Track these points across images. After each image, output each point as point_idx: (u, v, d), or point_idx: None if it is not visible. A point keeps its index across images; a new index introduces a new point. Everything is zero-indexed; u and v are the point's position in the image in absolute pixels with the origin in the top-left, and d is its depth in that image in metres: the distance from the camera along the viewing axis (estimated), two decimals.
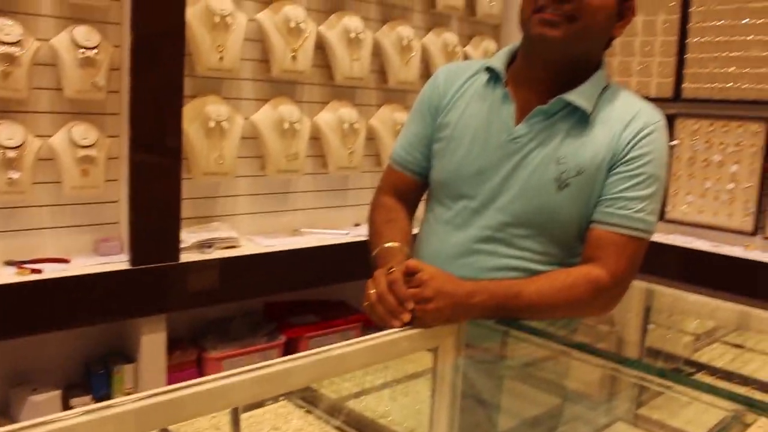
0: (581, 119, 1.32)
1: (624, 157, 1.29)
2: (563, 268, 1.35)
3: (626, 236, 1.29)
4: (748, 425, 0.97)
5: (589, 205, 1.32)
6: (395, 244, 1.40)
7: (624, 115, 1.32)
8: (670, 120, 3.02)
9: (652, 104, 1.38)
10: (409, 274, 1.17)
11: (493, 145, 1.36)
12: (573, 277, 1.28)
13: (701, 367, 1.53)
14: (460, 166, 1.40)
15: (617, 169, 1.30)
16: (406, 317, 1.13)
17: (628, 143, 1.29)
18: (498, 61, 1.41)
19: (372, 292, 1.18)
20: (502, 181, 1.35)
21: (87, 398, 2.13)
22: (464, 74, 1.47)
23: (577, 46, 1.30)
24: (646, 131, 1.30)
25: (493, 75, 1.41)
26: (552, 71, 1.34)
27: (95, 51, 2.03)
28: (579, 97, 1.32)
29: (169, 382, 2.32)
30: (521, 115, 1.35)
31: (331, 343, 1.03)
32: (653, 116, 1.33)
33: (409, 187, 1.53)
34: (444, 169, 1.43)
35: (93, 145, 2.05)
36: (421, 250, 1.46)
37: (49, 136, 2.04)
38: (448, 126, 1.43)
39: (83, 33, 2.02)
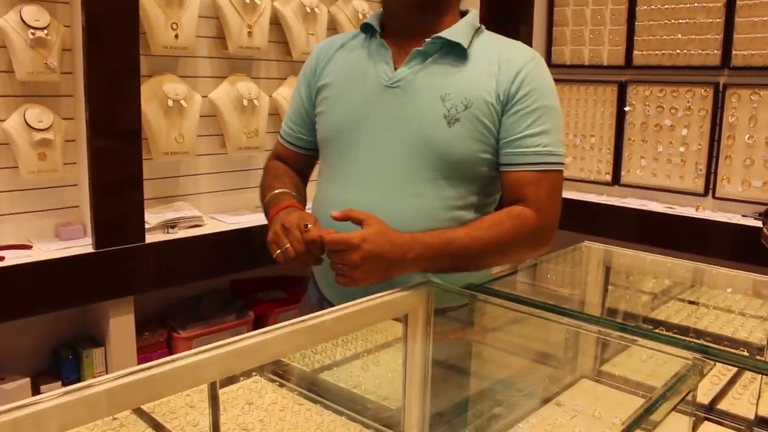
0: (460, 55, 1.35)
1: (515, 95, 1.31)
2: (479, 210, 1.39)
3: (540, 172, 1.32)
4: (703, 374, 1.02)
5: (485, 140, 1.33)
6: (285, 190, 1.43)
7: (501, 53, 1.35)
8: (623, 87, 3.09)
9: (522, 43, 1.43)
10: (341, 219, 1.21)
11: (375, 92, 1.37)
12: (498, 216, 1.31)
13: (659, 323, 1.59)
14: (345, 118, 1.40)
15: (512, 110, 1.32)
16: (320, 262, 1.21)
17: (514, 81, 1.32)
18: (372, 19, 1.44)
19: (288, 247, 1.21)
20: (391, 126, 1.35)
21: (57, 384, 2.11)
22: (338, 42, 1.50)
23: None
24: (528, 68, 1.33)
25: (368, 30, 1.44)
26: (415, 13, 1.37)
27: (45, 31, 1.98)
28: (453, 34, 1.34)
29: (140, 364, 2.31)
30: (399, 60, 1.37)
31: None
32: (530, 53, 1.37)
33: (294, 159, 1.57)
34: (329, 125, 1.44)
35: (49, 128, 2.02)
36: (320, 210, 1.43)
37: (2, 120, 1.99)
38: (327, 86, 1.45)
39: (32, 12, 1.97)
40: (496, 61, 1.34)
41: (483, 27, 1.43)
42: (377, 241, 1.17)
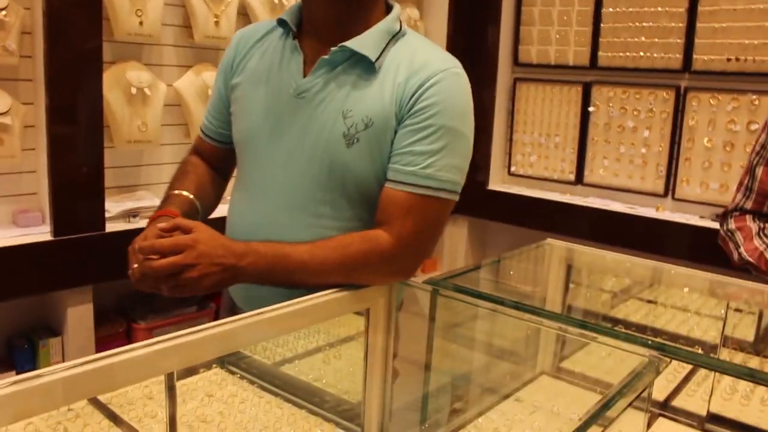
0: (367, 68, 1.23)
1: (411, 109, 1.19)
2: None
3: (413, 194, 1.19)
4: (659, 371, 1.04)
5: (383, 161, 1.22)
6: (179, 191, 1.34)
7: (412, 63, 1.22)
8: (587, 87, 3.13)
9: (446, 53, 1.29)
10: (169, 231, 1.12)
11: (283, 101, 1.27)
12: (351, 237, 1.19)
13: (618, 321, 1.61)
14: (253, 126, 1.31)
15: (405, 122, 1.19)
16: (165, 291, 1.11)
17: (414, 94, 1.19)
18: (289, 14, 1.31)
19: (135, 266, 1.11)
20: (294, 141, 1.25)
21: (11, 374, 2.06)
22: (258, 33, 1.39)
23: None
24: (433, 80, 1.19)
25: (284, 28, 1.32)
26: (332, 14, 1.25)
27: (4, 13, 1.93)
28: (361, 44, 1.22)
29: None
30: (310, 66, 1.26)
31: None
32: (443, 64, 1.22)
33: (213, 154, 1.47)
34: (237, 131, 1.36)
35: (6, 112, 1.96)
36: (228, 220, 1.39)
37: None
38: (239, 85, 1.35)
39: None
40: (406, 71, 1.22)
41: (406, 29, 1.31)
42: (210, 244, 1.10)
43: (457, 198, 1.24)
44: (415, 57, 1.23)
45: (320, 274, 1.17)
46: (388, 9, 1.32)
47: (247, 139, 1.34)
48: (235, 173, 1.44)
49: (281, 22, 1.32)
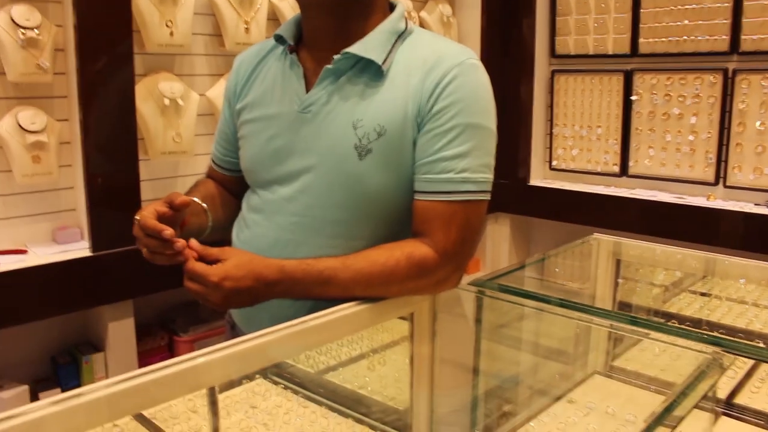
0: (376, 74, 1.18)
1: (430, 111, 1.14)
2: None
3: (453, 203, 1.14)
4: (724, 368, 0.99)
5: (402, 171, 1.17)
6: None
7: (425, 62, 1.16)
8: (629, 75, 3.04)
9: (458, 45, 1.23)
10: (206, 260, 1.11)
11: (288, 119, 1.22)
12: (395, 259, 1.13)
13: (671, 316, 1.56)
14: (260, 150, 1.27)
15: (427, 127, 1.14)
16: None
17: (432, 95, 1.14)
18: (285, 28, 1.27)
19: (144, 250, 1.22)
20: (303, 159, 1.20)
21: (56, 391, 2.08)
22: (260, 53, 1.34)
23: None
24: (449, 77, 1.14)
25: (282, 43, 1.28)
26: (331, 21, 1.20)
27: (37, 31, 1.94)
28: (365, 47, 1.17)
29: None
30: (314, 79, 1.21)
31: None
32: (457, 57, 1.16)
33: (227, 182, 1.45)
34: (246, 156, 1.32)
35: (42, 130, 1.97)
36: (234, 242, 1.35)
37: None
38: (245, 110, 1.32)
39: (22, 12, 1.92)
40: (420, 71, 1.16)
41: (412, 26, 1.26)
42: (238, 276, 1.07)
43: (489, 196, 1.19)
44: (426, 54, 1.17)
45: (362, 291, 1.13)
46: (392, 8, 1.26)
47: (255, 165, 1.30)
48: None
49: (278, 38, 1.28)
